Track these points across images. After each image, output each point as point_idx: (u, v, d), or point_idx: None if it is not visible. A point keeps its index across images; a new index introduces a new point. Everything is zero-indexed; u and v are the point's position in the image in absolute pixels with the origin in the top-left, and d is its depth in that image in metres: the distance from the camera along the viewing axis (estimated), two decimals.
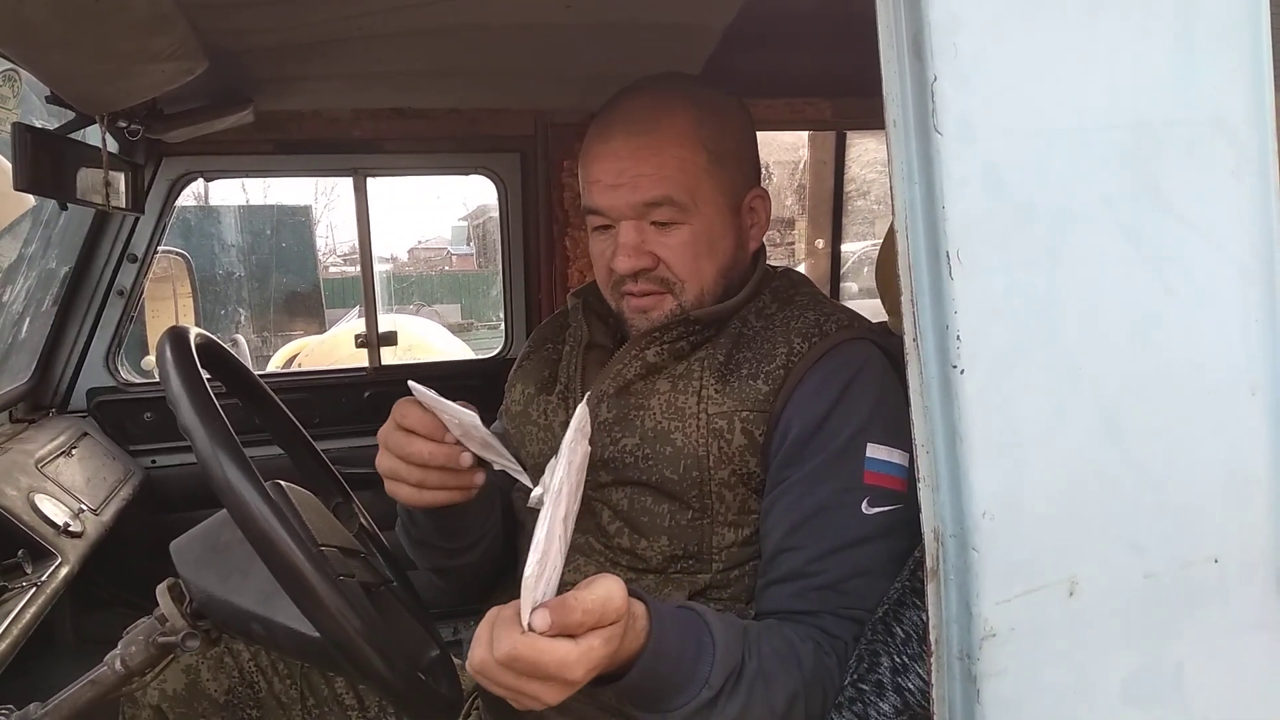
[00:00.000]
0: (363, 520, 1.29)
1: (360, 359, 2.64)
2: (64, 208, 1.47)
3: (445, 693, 1.08)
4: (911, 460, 1.10)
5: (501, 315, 2.76)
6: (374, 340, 2.58)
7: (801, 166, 2.70)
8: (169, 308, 3.72)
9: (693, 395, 1.12)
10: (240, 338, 6.16)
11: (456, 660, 1.50)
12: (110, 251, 2.28)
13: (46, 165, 1.37)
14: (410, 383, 1.00)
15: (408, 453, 1.02)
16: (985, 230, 0.72)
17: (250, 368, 1.27)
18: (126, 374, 2.43)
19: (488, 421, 1.02)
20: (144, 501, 2.22)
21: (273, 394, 1.24)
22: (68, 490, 1.85)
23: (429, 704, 0.98)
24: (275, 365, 5.55)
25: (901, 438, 1.10)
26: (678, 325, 1.15)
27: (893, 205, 0.77)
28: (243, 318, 7.92)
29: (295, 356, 5.44)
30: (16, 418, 2.17)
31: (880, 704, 0.97)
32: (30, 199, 2.20)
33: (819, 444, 1.08)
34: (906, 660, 0.97)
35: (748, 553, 1.11)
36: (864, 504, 1.05)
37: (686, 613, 0.95)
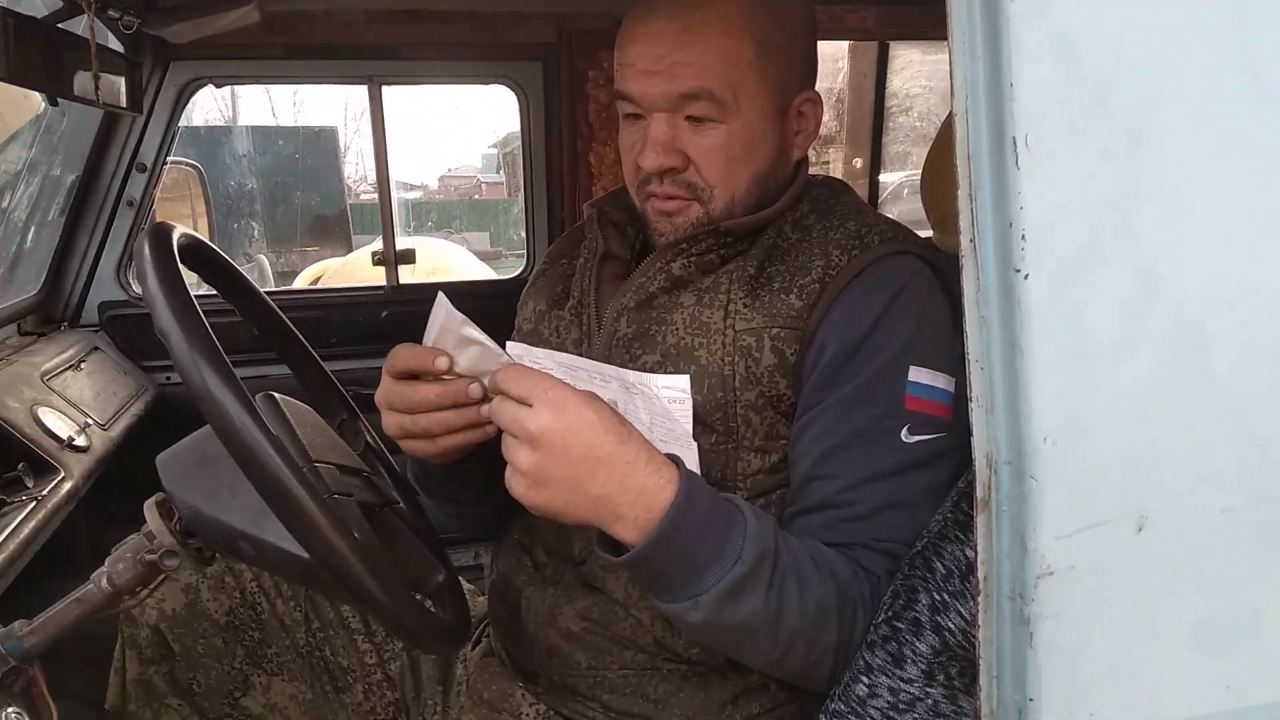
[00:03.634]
0: (369, 438, 1.22)
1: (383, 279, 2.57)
2: (53, 103, 1.39)
3: (450, 619, 1.02)
4: (958, 386, 1.02)
5: None
6: (391, 258, 2.50)
7: (840, 79, 2.56)
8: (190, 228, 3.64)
9: (719, 310, 1.03)
10: (263, 258, 6.12)
11: (468, 585, 1.44)
12: (119, 160, 2.21)
13: (31, 55, 1.28)
14: (440, 295, 0.97)
15: (413, 402, 0.97)
16: (1058, 113, 0.64)
17: (260, 283, 1.19)
18: (139, 288, 2.37)
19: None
20: (157, 418, 2.17)
21: (271, 303, 1.16)
22: (74, 404, 1.80)
23: (430, 630, 0.92)
24: (301, 285, 5.50)
25: (947, 361, 1.00)
26: (707, 236, 1.06)
27: (951, 85, 0.68)
28: (264, 237, 7.86)
29: (320, 278, 5.39)
30: (25, 330, 2.12)
31: (916, 644, 0.89)
32: (37, 106, 2.12)
33: (856, 365, 0.99)
34: (947, 598, 0.89)
35: (775, 480, 1.03)
36: (904, 431, 0.97)
37: (714, 490, 0.89)
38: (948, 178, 1.30)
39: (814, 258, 1.03)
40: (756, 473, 1.03)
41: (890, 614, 0.92)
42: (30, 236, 2.14)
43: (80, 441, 1.67)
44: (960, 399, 1.01)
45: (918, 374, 0.98)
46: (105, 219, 2.24)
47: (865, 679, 0.91)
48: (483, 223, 13.88)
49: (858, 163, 2.46)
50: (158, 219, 2.67)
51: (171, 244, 0.93)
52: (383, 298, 2.51)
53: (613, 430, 0.82)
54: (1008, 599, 0.68)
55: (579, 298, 1.14)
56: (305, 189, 8.29)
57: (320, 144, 8.85)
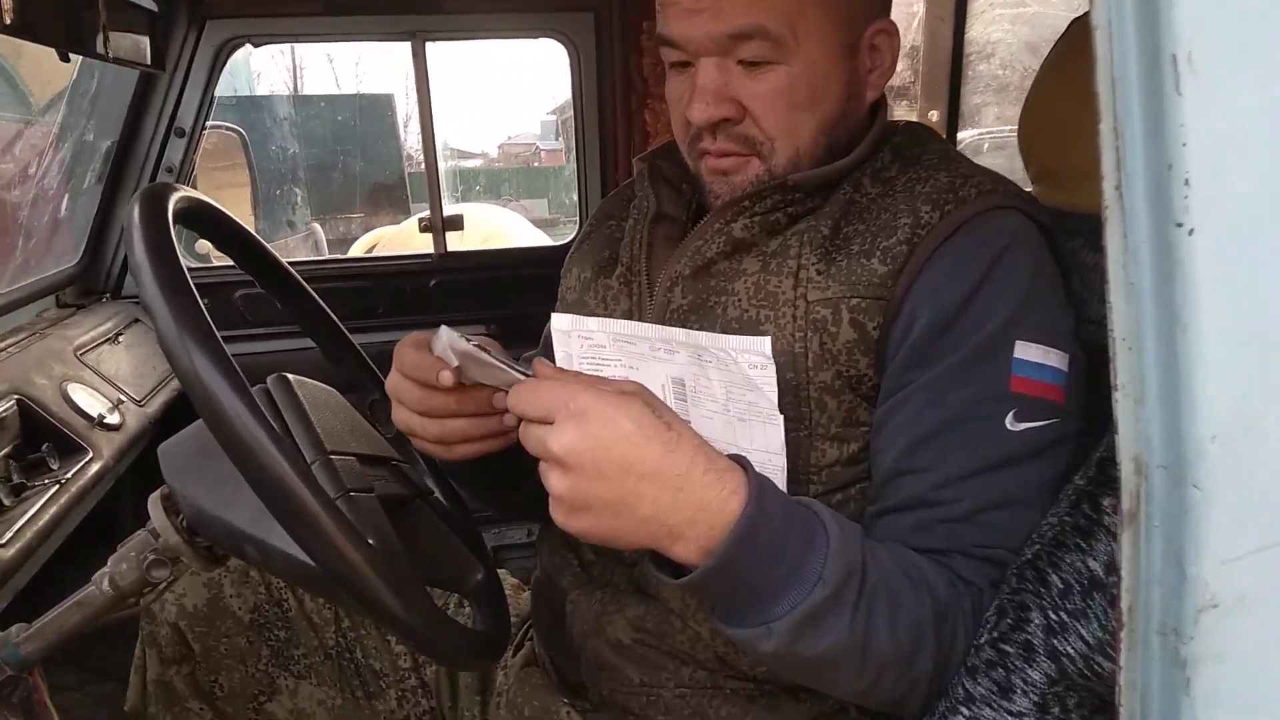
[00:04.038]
0: None
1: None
2: (64, 59, 1.30)
3: (484, 628, 0.91)
4: (1072, 362, 0.87)
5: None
6: (439, 224, 2.40)
7: (915, 24, 2.37)
8: (243, 197, 3.52)
9: (788, 277, 0.89)
10: (317, 225, 6.07)
11: (513, 580, 1.34)
12: (156, 125, 2.14)
13: (41, 6, 1.18)
14: (441, 329, 0.84)
15: (427, 406, 0.87)
16: (1232, 21, 0.49)
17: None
18: (181, 257, 2.30)
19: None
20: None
21: (293, 271, 1.05)
22: (108, 380, 1.73)
23: (457, 645, 0.81)
24: (357, 254, 5.43)
25: (1059, 335, 0.86)
26: (773, 192, 0.92)
27: None
28: (321, 205, 7.81)
29: (375, 245, 5.32)
30: (64, 302, 2.06)
31: (1028, 671, 0.76)
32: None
33: (952, 340, 0.84)
34: (1065, 617, 0.75)
35: (854, 473, 0.90)
36: (1009, 417, 0.82)
37: (788, 495, 0.75)
38: (1052, 121, 1.14)
39: (899, 215, 0.89)
40: (833, 464, 0.89)
41: (996, 635, 0.78)
42: (64, 205, 2.08)
43: (112, 419, 1.59)
44: (1074, 379, 0.86)
45: (1025, 350, 0.84)
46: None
47: (965, 710, 0.78)
48: (540, 189, 13.79)
49: (933, 116, 2.28)
50: (199, 186, 2.61)
51: (166, 208, 0.82)
52: (430, 266, 2.41)
53: (656, 438, 0.69)
54: (1158, 634, 0.56)
55: (628, 264, 1.01)
56: (362, 156, 8.24)
57: (377, 111, 8.79)
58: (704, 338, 0.80)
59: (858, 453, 0.89)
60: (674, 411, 0.72)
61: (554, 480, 0.70)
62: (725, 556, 0.68)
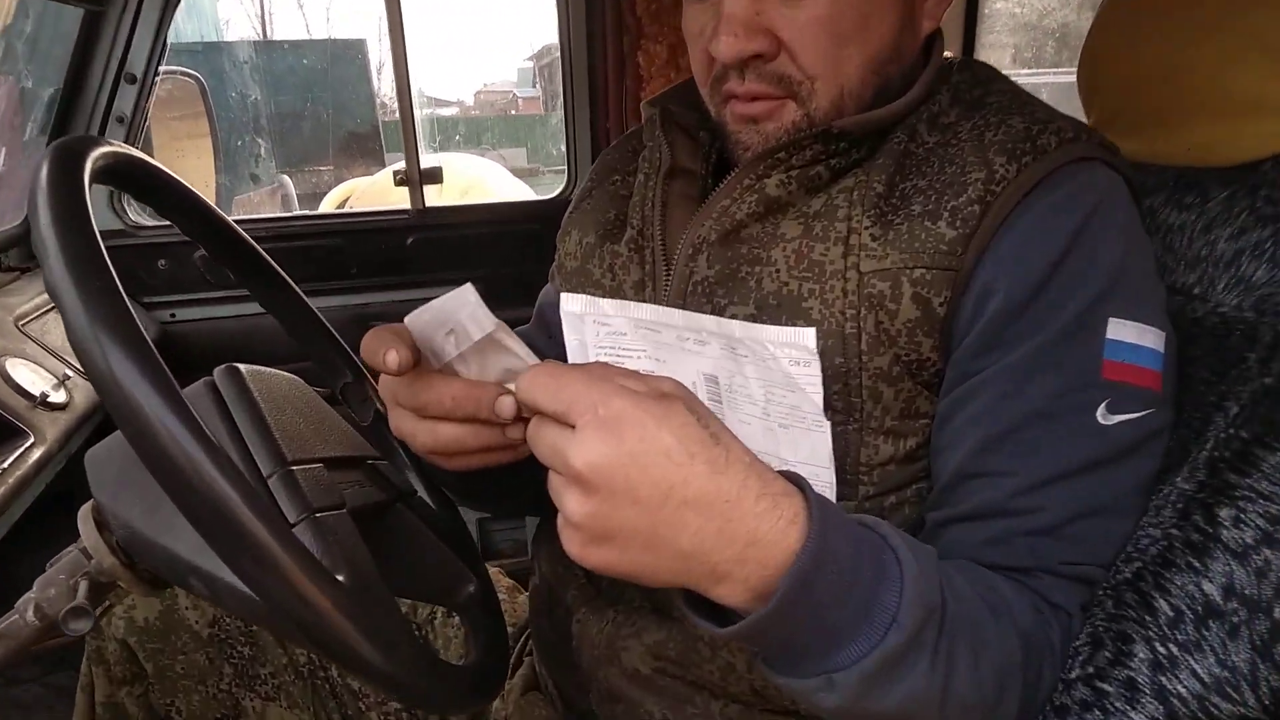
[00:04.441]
0: (380, 405, 0.97)
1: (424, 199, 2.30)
2: None
3: (476, 658, 0.78)
4: (1168, 343, 0.74)
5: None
6: (416, 177, 2.23)
7: None
8: (204, 148, 3.33)
9: (837, 244, 0.75)
10: (285, 178, 5.84)
11: (509, 581, 1.21)
12: (105, 70, 1.96)
13: None
14: (467, 287, 0.64)
15: (420, 401, 0.68)
16: None
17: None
18: (136, 216, 2.14)
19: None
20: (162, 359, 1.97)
21: (244, 234, 0.90)
22: (54, 353, 1.58)
23: (452, 689, 0.68)
24: (328, 208, 5.21)
25: (1153, 309, 0.72)
26: (813, 142, 0.77)
27: None
28: (290, 157, 7.56)
29: (348, 199, 5.10)
30: (6, 266, 1.89)
31: (1130, 714, 0.63)
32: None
33: (1035, 318, 0.71)
34: (1174, 650, 0.63)
35: (911, 472, 0.76)
36: (1101, 409, 0.69)
37: (851, 518, 0.61)
38: (1122, 58, 0.99)
39: (969, 168, 0.74)
40: (886, 462, 0.76)
41: (1091, 670, 0.66)
42: (8, 158, 1.90)
43: (57, 397, 1.44)
44: (1170, 361, 0.73)
45: (1119, 329, 0.70)
46: None
47: None
48: (519, 137, 13.52)
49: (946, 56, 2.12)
50: (156, 137, 2.43)
51: (82, 169, 0.66)
52: (407, 222, 2.25)
53: (701, 455, 0.54)
54: None
55: (639, 227, 0.87)
56: (333, 104, 7.97)
57: (349, 56, 8.49)
58: (737, 327, 0.66)
59: (916, 449, 0.76)
60: (718, 419, 0.58)
61: (571, 502, 0.55)
62: (783, 601, 0.54)
